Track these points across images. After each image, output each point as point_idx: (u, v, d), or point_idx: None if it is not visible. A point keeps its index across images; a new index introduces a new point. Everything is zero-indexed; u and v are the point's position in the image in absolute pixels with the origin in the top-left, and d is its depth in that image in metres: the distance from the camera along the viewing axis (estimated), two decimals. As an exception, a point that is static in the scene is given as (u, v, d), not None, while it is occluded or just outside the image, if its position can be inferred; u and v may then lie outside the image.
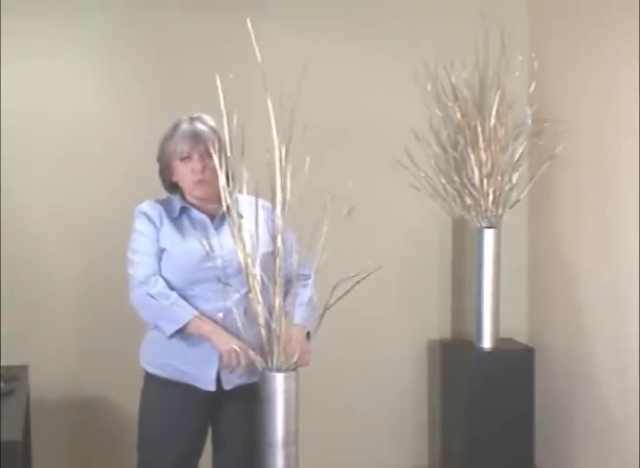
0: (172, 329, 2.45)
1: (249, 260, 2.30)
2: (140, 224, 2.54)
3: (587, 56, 3.44)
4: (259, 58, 2.33)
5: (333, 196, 2.38)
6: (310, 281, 2.55)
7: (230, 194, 2.37)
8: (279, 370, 2.32)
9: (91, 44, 3.48)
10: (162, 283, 2.48)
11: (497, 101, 3.54)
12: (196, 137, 2.49)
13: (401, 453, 3.92)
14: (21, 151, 3.40)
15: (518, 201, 3.66)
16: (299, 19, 3.65)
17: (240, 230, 2.32)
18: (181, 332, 2.46)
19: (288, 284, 2.51)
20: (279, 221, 2.32)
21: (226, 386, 2.52)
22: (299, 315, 2.51)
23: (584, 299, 3.51)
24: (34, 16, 3.39)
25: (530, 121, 3.58)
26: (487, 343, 3.64)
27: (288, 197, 2.33)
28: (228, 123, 2.33)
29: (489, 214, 3.62)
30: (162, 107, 3.34)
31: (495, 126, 3.55)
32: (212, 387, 2.51)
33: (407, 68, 3.69)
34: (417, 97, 3.72)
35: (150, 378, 2.59)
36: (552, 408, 3.73)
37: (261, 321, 2.30)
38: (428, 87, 3.73)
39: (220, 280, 2.43)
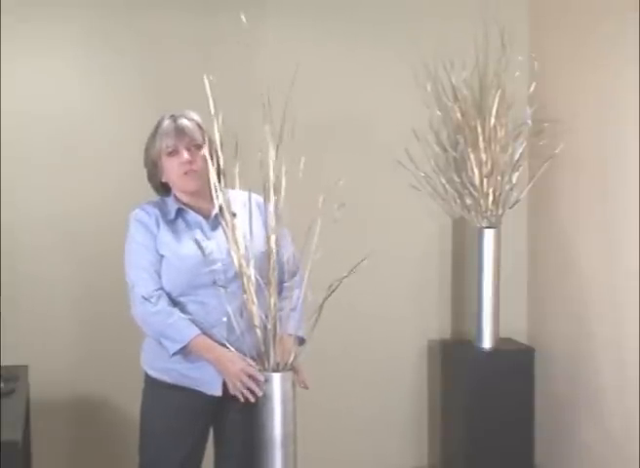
0: (174, 347, 2.42)
1: (243, 261, 2.29)
2: (138, 234, 2.50)
3: (587, 55, 3.44)
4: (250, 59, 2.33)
5: (326, 196, 2.35)
6: (297, 279, 2.50)
7: (223, 192, 2.35)
8: (275, 371, 2.31)
9: (90, 43, 3.48)
10: (164, 299, 2.45)
11: (497, 101, 3.54)
12: (180, 131, 2.46)
13: (401, 453, 3.92)
14: (20, 152, 3.39)
15: (518, 201, 3.66)
16: (298, 18, 3.65)
17: (233, 231, 2.30)
18: (184, 351, 2.43)
19: (281, 284, 2.50)
20: (272, 222, 2.30)
21: (233, 391, 2.50)
22: (290, 323, 2.46)
23: (584, 299, 3.51)
24: (33, 17, 3.38)
25: (530, 121, 3.58)
26: (487, 343, 3.64)
27: (282, 198, 2.32)
28: (217, 121, 2.33)
29: (489, 214, 3.62)
30: (162, 108, 3.33)
31: (495, 126, 3.55)
32: (218, 392, 2.48)
33: (407, 68, 3.69)
34: (417, 98, 3.72)
35: (152, 382, 2.56)
36: (552, 408, 3.73)
37: (257, 321, 2.29)
38: (428, 87, 3.73)
39: (214, 282, 2.39)
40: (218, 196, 2.34)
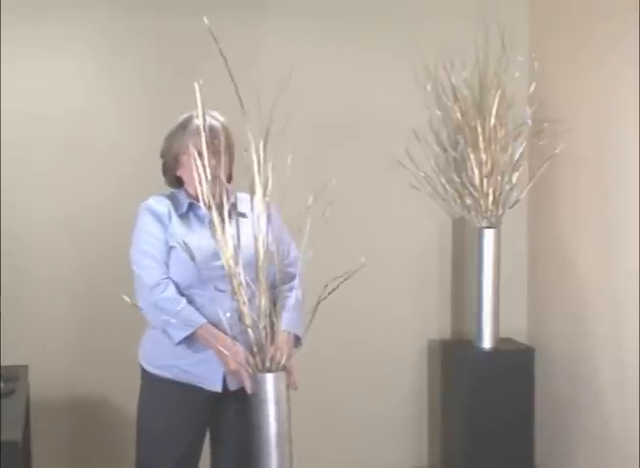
0: (180, 335, 2.42)
1: (231, 262, 2.28)
2: (148, 223, 2.49)
3: (587, 56, 3.44)
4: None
5: (323, 196, 2.34)
6: (296, 282, 2.53)
7: (229, 192, 2.37)
8: (269, 371, 2.30)
9: (91, 44, 3.48)
10: (172, 287, 2.45)
11: (497, 101, 3.54)
12: (210, 132, 2.44)
13: (401, 453, 3.92)
14: (21, 151, 3.40)
15: (518, 201, 3.66)
16: (298, 19, 3.65)
17: (223, 232, 2.29)
18: (189, 340, 2.44)
19: (282, 285, 2.52)
20: (262, 222, 2.29)
21: (232, 387, 2.50)
22: (284, 321, 2.47)
23: (584, 299, 3.51)
24: (32, 17, 3.39)
25: (530, 121, 3.58)
26: (487, 343, 3.64)
27: (268, 197, 2.32)
28: (203, 123, 2.33)
29: (489, 214, 3.61)
30: (162, 108, 3.34)
31: (495, 126, 3.55)
32: (218, 388, 2.49)
33: (407, 68, 3.69)
34: (417, 97, 3.72)
35: (151, 378, 2.56)
36: (552, 407, 3.73)
37: (249, 322, 2.28)
38: (428, 87, 3.73)
39: (215, 287, 2.37)
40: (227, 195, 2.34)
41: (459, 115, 3.63)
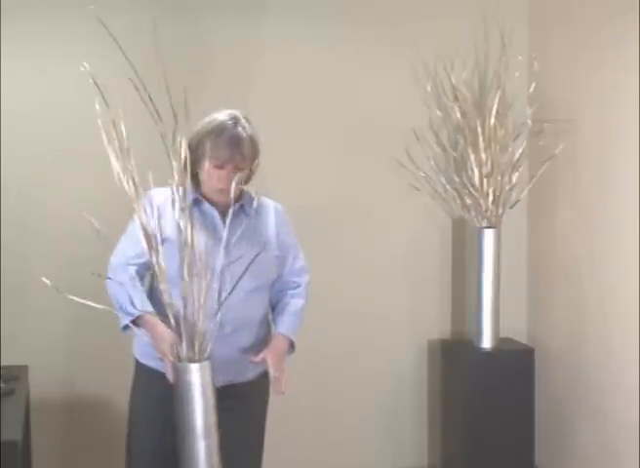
0: (123, 321, 2.42)
1: (153, 254, 2.26)
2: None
3: (587, 56, 3.44)
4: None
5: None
6: (301, 290, 2.59)
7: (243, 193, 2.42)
8: (191, 361, 2.23)
9: (90, 44, 3.48)
10: (130, 273, 2.46)
11: (497, 101, 3.54)
12: (237, 148, 2.44)
13: (401, 453, 3.92)
14: (19, 151, 3.40)
15: (518, 201, 3.67)
16: (297, 18, 3.65)
17: (145, 228, 2.28)
18: (132, 329, 2.41)
19: (280, 293, 2.59)
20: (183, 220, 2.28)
21: (217, 384, 2.49)
22: (284, 324, 2.52)
23: (584, 299, 3.51)
24: (33, 17, 3.39)
25: (530, 121, 3.58)
26: (487, 343, 3.64)
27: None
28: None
29: (489, 214, 3.61)
30: (161, 109, 3.34)
31: (495, 126, 3.55)
32: None
33: (407, 68, 3.69)
34: (417, 97, 3.72)
35: (142, 368, 2.58)
36: (552, 407, 3.73)
37: (170, 311, 2.25)
38: (428, 87, 3.73)
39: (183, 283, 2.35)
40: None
41: (459, 115, 3.63)
